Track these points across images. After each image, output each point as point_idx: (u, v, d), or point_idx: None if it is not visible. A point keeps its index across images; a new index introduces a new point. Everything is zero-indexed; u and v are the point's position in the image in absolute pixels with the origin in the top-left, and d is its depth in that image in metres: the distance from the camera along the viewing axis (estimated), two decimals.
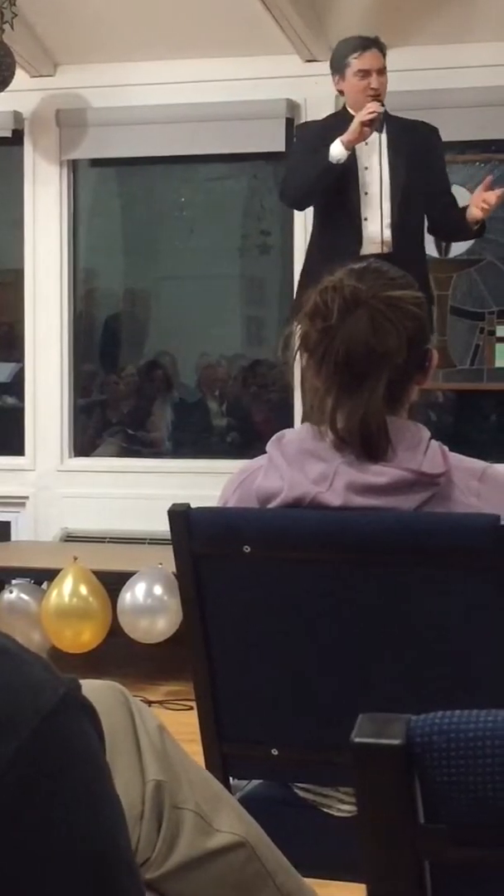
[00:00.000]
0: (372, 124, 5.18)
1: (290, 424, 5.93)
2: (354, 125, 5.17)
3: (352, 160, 5.28)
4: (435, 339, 6.24)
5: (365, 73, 5.33)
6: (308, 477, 2.25)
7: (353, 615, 2.25)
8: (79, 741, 1.00)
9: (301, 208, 5.87)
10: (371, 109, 5.15)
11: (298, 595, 2.28)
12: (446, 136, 5.95)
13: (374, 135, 5.31)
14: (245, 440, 6.96)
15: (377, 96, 5.28)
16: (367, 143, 5.32)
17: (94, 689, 1.72)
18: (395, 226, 5.28)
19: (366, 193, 5.31)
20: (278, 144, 6.37)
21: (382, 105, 5.23)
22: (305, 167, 5.35)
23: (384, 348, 2.24)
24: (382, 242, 5.27)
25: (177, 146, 6.63)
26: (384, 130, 5.33)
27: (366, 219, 5.30)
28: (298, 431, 2.36)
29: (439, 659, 2.22)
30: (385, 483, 2.21)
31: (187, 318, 7.27)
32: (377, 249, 5.20)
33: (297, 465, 2.28)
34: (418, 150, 5.37)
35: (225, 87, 6.42)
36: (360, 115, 5.17)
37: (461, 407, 6.79)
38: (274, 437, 2.37)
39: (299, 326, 2.30)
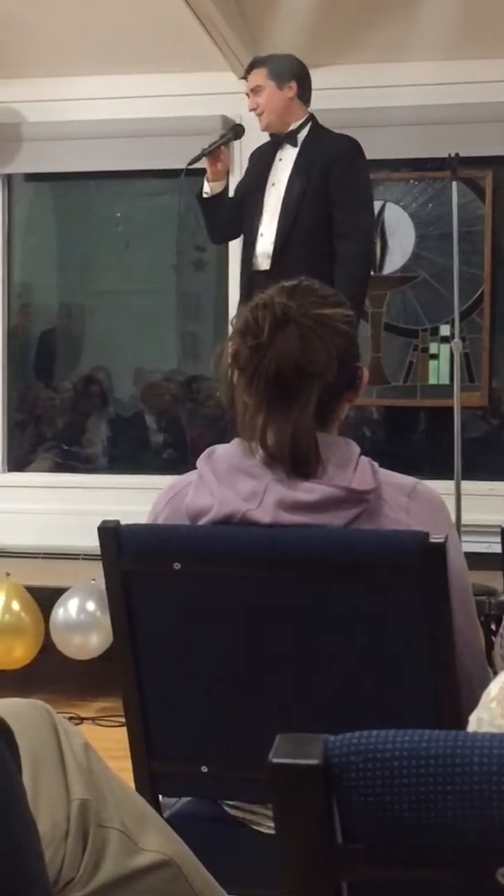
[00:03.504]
0: (213, 157, 5.38)
1: (227, 440, 5.92)
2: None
3: (262, 178, 5.41)
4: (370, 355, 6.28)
5: (247, 97, 5.47)
6: (238, 494, 2.25)
7: (283, 632, 2.25)
8: None
9: (218, 243, 6.00)
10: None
11: (228, 612, 2.28)
12: (380, 153, 6.01)
13: (291, 151, 5.41)
14: (181, 456, 6.94)
15: (260, 114, 5.40)
16: (280, 160, 5.42)
17: (18, 707, 1.71)
18: (279, 241, 5.30)
19: (266, 210, 5.38)
20: None
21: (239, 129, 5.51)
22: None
23: (314, 366, 2.24)
24: (265, 257, 5.33)
25: (112, 161, 6.63)
26: (298, 146, 5.41)
27: (262, 235, 5.37)
28: (229, 448, 2.35)
29: (369, 674, 2.22)
30: (315, 500, 2.22)
31: (122, 334, 7.25)
32: (262, 265, 5.30)
33: (228, 482, 2.27)
34: (323, 167, 5.33)
35: (160, 102, 6.43)
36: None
37: (395, 423, 6.81)
38: (204, 453, 2.37)
39: (231, 343, 2.30)
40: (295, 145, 5.40)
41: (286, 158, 5.40)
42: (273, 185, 5.39)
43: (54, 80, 6.56)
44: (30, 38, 6.27)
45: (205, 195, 5.44)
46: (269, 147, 5.54)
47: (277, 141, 5.46)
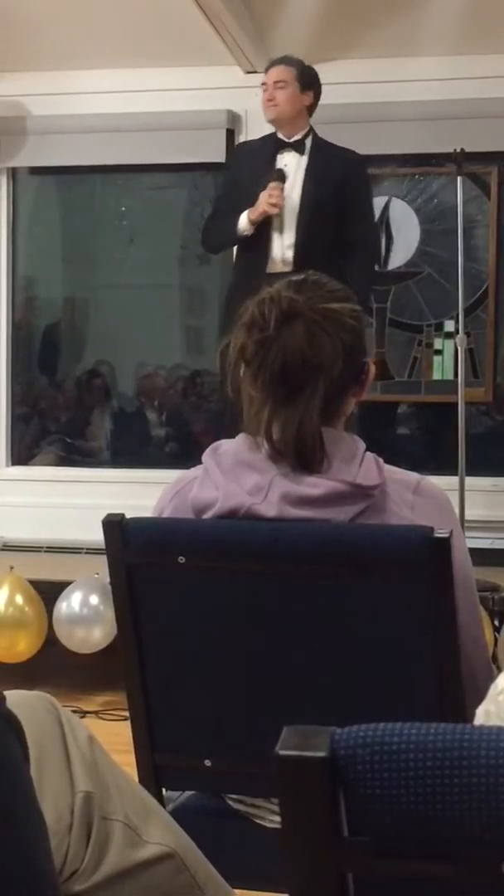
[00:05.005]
0: (274, 208, 5.37)
1: (227, 435, 5.93)
2: (259, 208, 5.39)
3: (265, 182, 5.44)
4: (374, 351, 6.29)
5: (265, 87, 5.54)
6: (243, 488, 2.25)
7: (287, 626, 2.24)
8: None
9: (215, 253, 6.14)
10: (273, 200, 5.35)
11: (232, 605, 2.28)
12: (386, 148, 6.04)
13: (297, 158, 5.51)
14: (184, 450, 6.95)
15: (274, 106, 5.49)
16: (286, 166, 5.50)
17: (23, 699, 1.71)
18: (299, 246, 5.41)
19: (277, 214, 5.44)
20: (219, 155, 6.39)
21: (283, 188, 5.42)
22: (221, 229, 5.62)
23: (320, 360, 2.24)
24: (284, 261, 5.42)
25: (117, 155, 6.63)
26: (306, 154, 5.51)
27: (275, 239, 5.46)
28: (234, 442, 2.35)
29: (373, 669, 2.22)
30: (320, 494, 2.21)
31: (126, 328, 7.25)
32: (280, 268, 5.35)
33: (233, 476, 2.27)
34: (336, 178, 5.48)
35: (166, 97, 6.43)
36: (264, 201, 5.37)
37: (399, 419, 6.81)
38: (210, 448, 2.36)
39: (236, 337, 2.29)
40: (302, 153, 5.52)
41: (292, 165, 5.51)
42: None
43: (59, 74, 6.57)
44: (35, 31, 6.26)
45: (243, 233, 5.47)
46: (261, 148, 5.63)
47: (277, 145, 5.54)
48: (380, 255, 5.78)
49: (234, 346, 2.28)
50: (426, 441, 6.78)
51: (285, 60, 5.54)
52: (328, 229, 5.43)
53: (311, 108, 5.56)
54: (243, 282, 5.45)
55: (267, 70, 5.57)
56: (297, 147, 5.53)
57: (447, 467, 5.67)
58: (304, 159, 5.51)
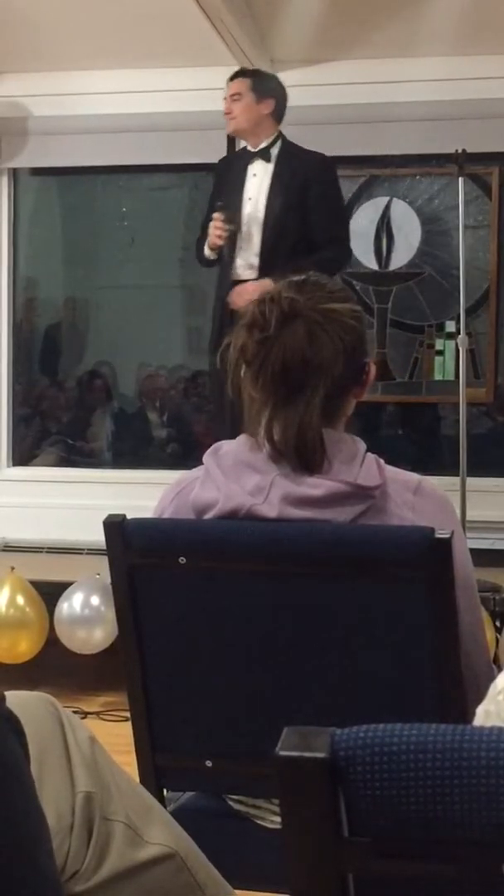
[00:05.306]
0: (221, 240, 5.44)
1: (224, 436, 5.93)
2: (210, 240, 5.49)
3: (238, 191, 5.55)
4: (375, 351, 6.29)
5: (225, 101, 5.62)
6: (244, 488, 2.25)
7: (288, 626, 2.25)
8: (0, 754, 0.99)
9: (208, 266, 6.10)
10: (217, 233, 5.42)
11: (233, 606, 2.28)
12: (387, 149, 6.02)
13: (264, 166, 5.56)
14: (185, 451, 6.95)
15: (231, 119, 5.58)
16: (255, 175, 5.57)
17: (24, 700, 1.71)
18: (265, 252, 5.45)
19: (245, 222, 5.51)
20: (220, 156, 6.38)
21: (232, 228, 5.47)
22: (201, 248, 5.66)
23: (320, 360, 2.24)
24: (250, 267, 5.48)
25: (118, 156, 6.64)
26: (272, 161, 5.56)
27: (240, 248, 5.51)
28: (235, 443, 2.35)
29: (373, 670, 2.22)
30: (321, 495, 2.21)
31: (127, 328, 7.26)
32: (247, 275, 5.45)
33: (234, 477, 2.27)
34: (301, 181, 5.49)
35: (167, 97, 6.43)
36: (212, 234, 5.45)
37: (399, 419, 6.81)
38: (211, 449, 2.36)
39: (236, 337, 2.29)
40: (269, 161, 5.57)
41: (260, 173, 5.57)
42: (250, 199, 5.55)
43: (61, 75, 6.57)
44: (36, 32, 6.26)
45: (212, 259, 5.57)
46: (236, 161, 5.72)
47: (248, 156, 5.62)
48: (348, 256, 5.78)
49: (235, 347, 2.28)
50: (427, 441, 6.77)
51: (241, 73, 5.63)
52: (294, 233, 5.46)
53: (275, 115, 5.59)
54: (220, 290, 5.54)
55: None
56: (264, 155, 5.57)
57: (448, 468, 5.67)
58: (271, 166, 5.56)
